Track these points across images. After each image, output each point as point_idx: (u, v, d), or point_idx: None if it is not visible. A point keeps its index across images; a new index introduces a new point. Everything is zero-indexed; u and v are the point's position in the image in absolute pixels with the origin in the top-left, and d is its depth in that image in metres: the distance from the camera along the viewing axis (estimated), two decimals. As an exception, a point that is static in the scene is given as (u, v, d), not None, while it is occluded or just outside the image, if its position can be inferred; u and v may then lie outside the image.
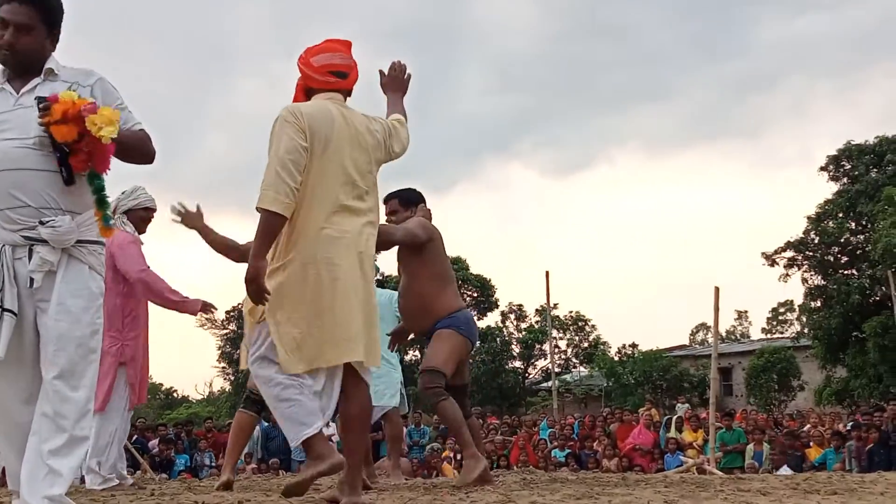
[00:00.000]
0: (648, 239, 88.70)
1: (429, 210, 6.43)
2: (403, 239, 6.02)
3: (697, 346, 57.65)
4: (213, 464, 15.51)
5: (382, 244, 5.82)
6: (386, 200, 6.37)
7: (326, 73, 4.50)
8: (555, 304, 41.00)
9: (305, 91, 4.47)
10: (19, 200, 3.58)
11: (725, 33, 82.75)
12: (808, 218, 33.73)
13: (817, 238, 33.40)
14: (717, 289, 11.40)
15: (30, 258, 3.57)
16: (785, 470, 12.80)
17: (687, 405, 22.55)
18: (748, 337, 64.05)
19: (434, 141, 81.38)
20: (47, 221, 3.60)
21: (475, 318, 45.77)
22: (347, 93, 4.62)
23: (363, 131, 4.46)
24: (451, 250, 7.73)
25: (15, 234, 3.56)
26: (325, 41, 4.59)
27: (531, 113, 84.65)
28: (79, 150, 3.57)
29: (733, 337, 65.02)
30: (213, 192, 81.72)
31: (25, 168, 3.61)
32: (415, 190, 6.51)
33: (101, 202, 3.71)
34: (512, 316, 46.93)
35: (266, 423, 17.34)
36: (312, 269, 4.18)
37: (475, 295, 44.97)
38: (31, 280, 3.57)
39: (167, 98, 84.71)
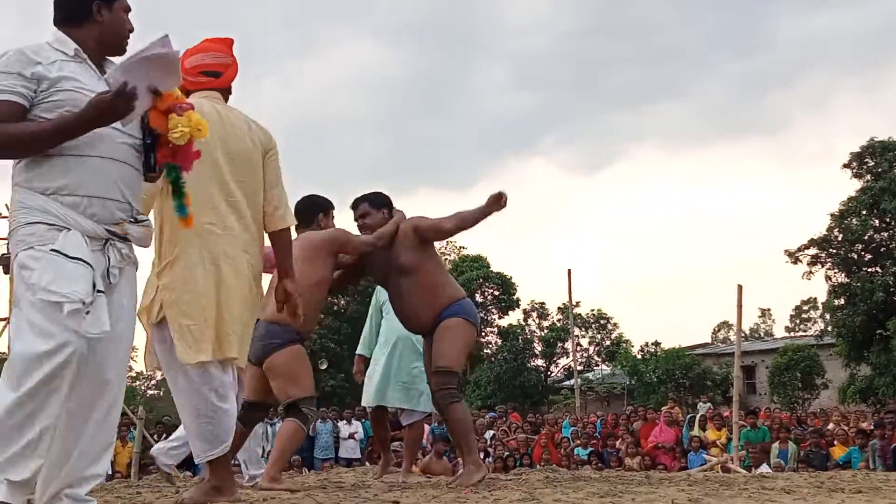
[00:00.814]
0: (670, 236, 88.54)
1: (402, 212, 6.30)
2: (455, 230, 6.13)
3: (720, 343, 57.43)
4: (236, 462, 15.57)
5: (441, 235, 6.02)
6: (355, 205, 6.29)
7: (198, 74, 4.53)
8: (577, 302, 40.96)
9: (186, 94, 4.33)
10: (121, 194, 3.54)
11: (746, 29, 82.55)
12: (832, 215, 33.53)
13: (841, 235, 33.19)
14: (740, 286, 11.37)
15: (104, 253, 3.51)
16: (764, 468, 12.79)
17: (709, 404, 22.47)
18: (771, 335, 63.84)
19: (455, 139, 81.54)
20: (143, 220, 3.64)
21: (497, 316, 45.99)
22: (226, 91, 4.64)
23: (239, 131, 4.45)
24: (473, 248, 7.72)
25: (99, 227, 3.47)
26: (202, 41, 4.64)
27: (552, 110, 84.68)
28: (165, 143, 3.58)
29: (756, 335, 64.79)
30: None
31: (129, 164, 3.58)
32: (382, 193, 6.41)
33: (178, 192, 3.73)
34: (534, 314, 46.89)
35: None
36: (199, 266, 4.23)
37: (497, 293, 44.98)
38: (110, 274, 3.51)
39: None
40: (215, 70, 4.57)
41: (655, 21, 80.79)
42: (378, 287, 7.49)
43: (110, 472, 15.61)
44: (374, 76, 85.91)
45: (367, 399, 7.27)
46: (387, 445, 7.74)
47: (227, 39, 4.66)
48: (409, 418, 7.37)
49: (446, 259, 44.66)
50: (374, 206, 6.24)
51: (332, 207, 6.27)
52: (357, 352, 7.72)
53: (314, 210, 6.13)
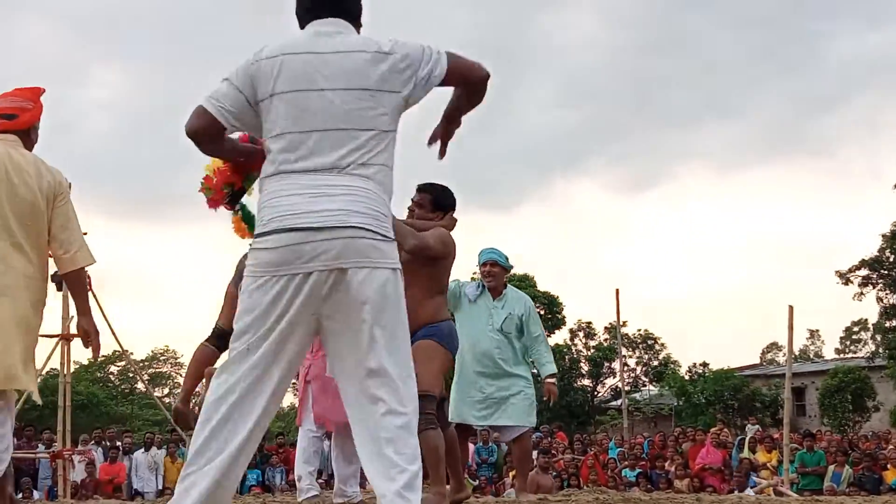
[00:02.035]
0: (719, 256, 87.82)
1: (455, 219, 6.01)
2: (413, 249, 5.56)
3: (769, 365, 56.87)
4: (285, 480, 15.61)
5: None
6: (420, 190, 6.01)
7: None
8: (624, 322, 40.75)
9: None
10: None
11: (797, 49, 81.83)
12: (883, 236, 33.17)
13: (893, 256, 32.83)
14: (790, 307, 11.27)
15: None
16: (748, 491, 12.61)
17: (757, 426, 22.24)
18: (821, 356, 63.11)
19: (501, 157, 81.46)
20: None
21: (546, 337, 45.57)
22: (24, 133, 4.82)
23: (27, 175, 4.59)
24: (519, 268, 7.68)
25: None
26: (11, 90, 4.88)
27: (600, 129, 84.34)
28: None
29: (805, 356, 64.09)
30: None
31: None
32: (451, 192, 6.04)
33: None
34: (581, 333, 46.71)
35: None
36: None
37: (543, 312, 44.87)
38: None
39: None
40: (10, 113, 4.76)
41: (705, 39, 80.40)
42: (454, 286, 7.29)
43: (161, 488, 15.75)
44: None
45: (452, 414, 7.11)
46: (459, 466, 7.55)
47: (36, 89, 4.94)
48: (516, 432, 7.33)
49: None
50: (433, 203, 5.92)
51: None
52: None
53: None
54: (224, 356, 4.94)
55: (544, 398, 7.52)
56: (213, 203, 3.88)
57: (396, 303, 3.48)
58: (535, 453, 14.69)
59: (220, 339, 5.81)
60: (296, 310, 3.39)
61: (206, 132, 3.53)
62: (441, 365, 5.76)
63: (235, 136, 3.85)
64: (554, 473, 15.38)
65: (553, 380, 7.49)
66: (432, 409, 5.68)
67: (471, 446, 18.44)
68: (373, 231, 3.44)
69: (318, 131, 3.44)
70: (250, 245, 3.55)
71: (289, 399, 48.63)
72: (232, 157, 3.74)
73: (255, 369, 3.41)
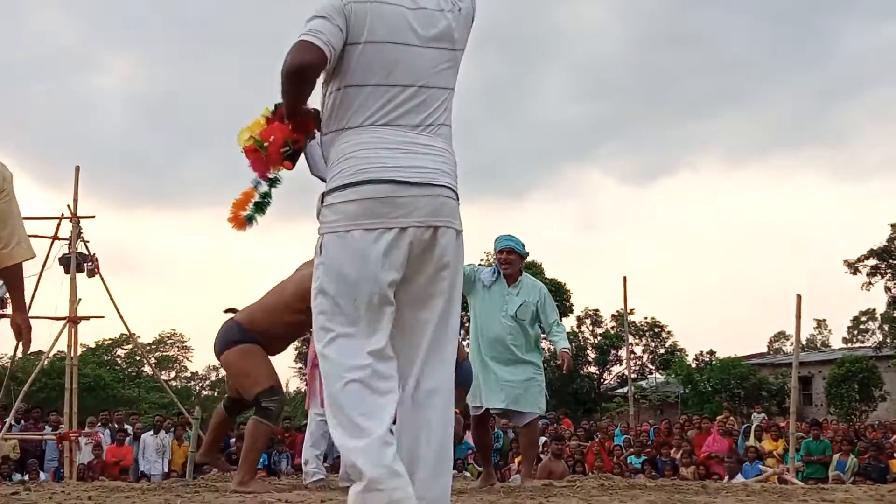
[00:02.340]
0: (728, 245, 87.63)
1: None
2: None
3: (776, 354, 56.85)
4: (290, 464, 15.63)
5: None
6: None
7: None
8: (631, 310, 40.75)
9: None
10: None
11: (811, 41, 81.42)
12: (893, 226, 33.12)
13: (902, 246, 32.77)
14: (798, 296, 11.23)
15: None
16: (739, 478, 12.62)
17: (763, 414, 22.23)
18: (828, 345, 63.06)
19: (513, 146, 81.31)
20: None
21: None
22: None
23: None
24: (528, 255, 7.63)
25: None
26: None
27: (611, 119, 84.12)
28: None
29: (813, 345, 64.04)
30: (294, 197, 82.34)
31: None
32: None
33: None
34: (587, 321, 46.73)
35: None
36: None
37: (550, 299, 44.86)
38: None
39: (245, 100, 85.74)
40: None
41: (718, 31, 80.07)
42: (471, 270, 7.41)
43: (166, 471, 15.80)
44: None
45: (472, 400, 7.18)
46: (488, 455, 7.60)
47: None
48: (526, 418, 7.37)
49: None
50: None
51: None
52: None
53: None
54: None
55: (558, 362, 7.49)
56: (266, 162, 3.57)
57: (461, 267, 3.46)
58: (547, 440, 14.75)
59: (269, 412, 5.91)
60: (391, 267, 3.26)
61: (315, 68, 3.29)
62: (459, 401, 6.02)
63: None
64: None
65: (568, 352, 7.49)
66: None
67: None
68: (456, 193, 3.41)
69: (409, 87, 3.35)
70: (324, 201, 3.35)
71: (295, 383, 48.83)
72: (301, 109, 3.49)
73: (367, 342, 3.23)
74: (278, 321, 5.96)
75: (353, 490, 3.06)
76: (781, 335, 64.82)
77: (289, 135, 3.48)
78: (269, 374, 5.92)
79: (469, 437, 18.31)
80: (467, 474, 13.01)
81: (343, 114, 3.35)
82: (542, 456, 12.72)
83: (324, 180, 3.54)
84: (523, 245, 7.46)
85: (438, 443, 3.30)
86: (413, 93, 3.34)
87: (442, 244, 3.31)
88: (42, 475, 14.09)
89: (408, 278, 3.30)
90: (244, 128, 3.60)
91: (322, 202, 3.40)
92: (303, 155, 3.80)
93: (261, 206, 3.80)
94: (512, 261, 7.34)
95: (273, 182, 3.73)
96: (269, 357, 6.16)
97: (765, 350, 58.42)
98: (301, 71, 3.25)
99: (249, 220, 3.79)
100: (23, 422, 15.37)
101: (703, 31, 79.29)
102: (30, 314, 12.40)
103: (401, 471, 3.08)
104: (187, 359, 59.55)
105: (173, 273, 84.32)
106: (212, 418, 6.43)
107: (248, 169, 3.63)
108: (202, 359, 64.90)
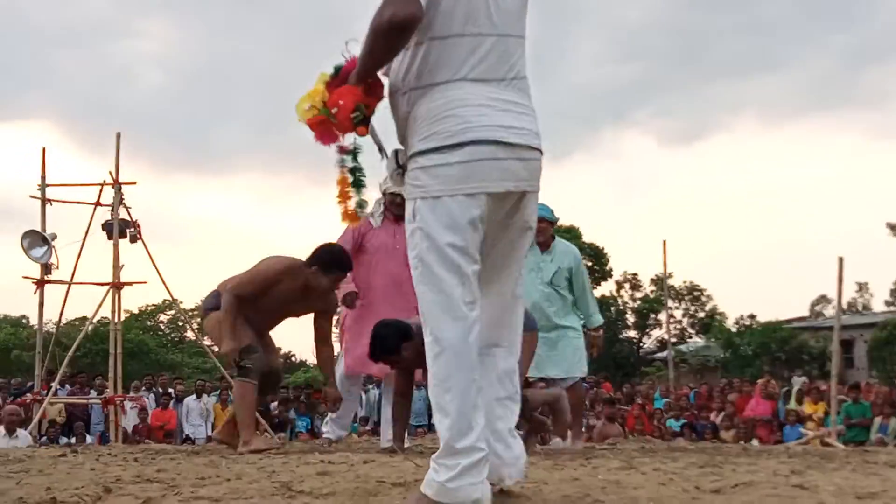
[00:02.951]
0: (768, 208, 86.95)
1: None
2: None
3: (817, 317, 56.44)
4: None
5: None
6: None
7: None
8: (670, 274, 40.61)
9: None
10: None
11: (846, 1, 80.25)
12: (936, 187, 32.68)
13: (945, 208, 32.36)
14: (840, 259, 11.17)
15: None
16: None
17: (804, 378, 22.13)
18: (869, 309, 62.53)
19: (550, 110, 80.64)
20: None
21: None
22: None
23: None
24: (566, 219, 7.67)
25: None
26: None
27: (648, 82, 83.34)
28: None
29: (854, 308, 63.53)
30: (330, 161, 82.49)
31: None
32: None
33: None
34: (626, 285, 46.62)
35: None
36: None
37: (589, 263, 44.80)
38: None
39: (282, 65, 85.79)
40: None
41: (754, -10, 79.05)
42: None
43: (210, 434, 15.98)
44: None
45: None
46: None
47: None
48: (567, 382, 7.38)
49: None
50: None
51: (340, 270, 6.34)
52: None
53: (317, 261, 6.23)
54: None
55: (591, 348, 7.51)
56: (335, 130, 3.36)
57: None
58: (601, 404, 14.76)
59: (247, 370, 6.05)
60: (489, 231, 3.15)
61: (417, 22, 3.05)
62: (530, 351, 6.03)
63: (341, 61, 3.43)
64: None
65: (599, 332, 7.48)
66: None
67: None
68: (542, 154, 3.26)
69: (489, 36, 3.15)
70: (417, 162, 3.16)
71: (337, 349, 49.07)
72: (377, 73, 3.29)
73: (475, 309, 3.11)
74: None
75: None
76: (823, 298, 64.24)
77: (360, 98, 3.27)
78: (244, 333, 6.03)
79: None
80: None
81: (429, 69, 3.15)
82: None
83: (380, 147, 3.39)
84: (552, 211, 7.46)
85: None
86: (494, 42, 3.15)
87: (528, 208, 3.23)
88: (88, 439, 14.31)
89: (491, 240, 3.20)
90: (302, 98, 3.41)
91: (398, 162, 3.28)
92: None
93: (358, 184, 3.52)
94: (542, 229, 7.28)
95: (354, 153, 3.49)
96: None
97: (806, 314, 58.04)
98: (404, 26, 3.03)
99: (359, 206, 3.52)
100: (69, 386, 15.58)
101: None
102: (74, 280, 12.60)
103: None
104: (228, 323, 60.03)
105: (213, 238, 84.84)
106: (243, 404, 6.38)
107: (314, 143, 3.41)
108: (244, 324, 65.33)
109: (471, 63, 3.13)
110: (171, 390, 17.18)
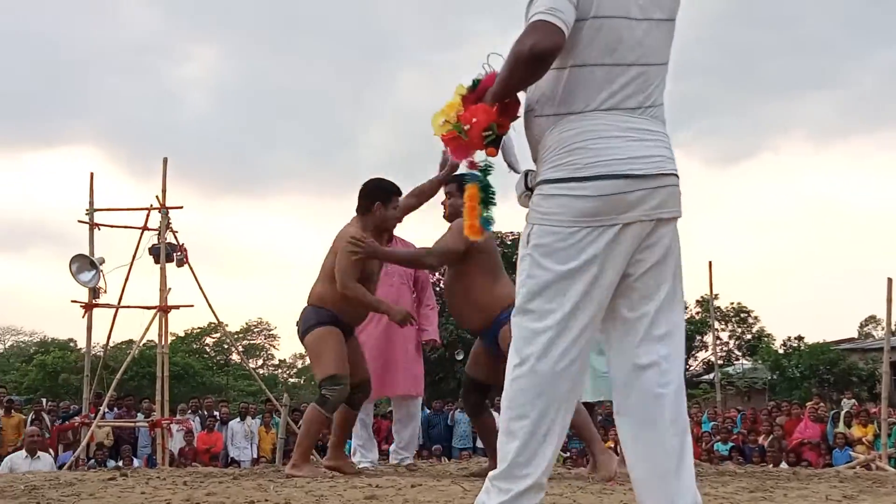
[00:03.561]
0: (814, 229, 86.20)
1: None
2: (440, 263, 6.00)
3: (866, 338, 55.76)
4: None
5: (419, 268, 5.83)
6: (449, 181, 6.15)
7: None
8: (716, 295, 40.28)
9: None
10: None
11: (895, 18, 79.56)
12: None
13: None
14: (889, 280, 11.05)
15: None
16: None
17: (853, 400, 21.85)
18: (920, 330, 61.71)
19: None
20: None
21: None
22: None
23: None
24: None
25: None
26: None
27: (693, 101, 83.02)
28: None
29: (905, 330, 62.70)
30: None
31: None
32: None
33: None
34: (672, 307, 46.27)
35: (428, 411, 17.59)
36: None
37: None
38: None
39: (328, 90, 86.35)
40: None
41: (801, 9, 78.65)
42: None
43: (255, 457, 16.04)
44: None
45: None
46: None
47: None
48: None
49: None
50: (459, 188, 5.86)
51: (394, 193, 6.18)
52: None
53: (370, 198, 6.11)
54: None
55: None
56: (467, 146, 3.31)
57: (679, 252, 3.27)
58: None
59: (325, 399, 5.87)
60: (612, 265, 3.08)
61: (557, 52, 3.03)
62: None
63: (481, 74, 3.40)
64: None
65: None
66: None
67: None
68: (678, 177, 3.23)
69: (631, 66, 3.14)
70: (543, 189, 3.13)
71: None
72: (515, 95, 3.25)
73: (575, 342, 3.06)
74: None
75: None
76: (872, 319, 63.50)
77: (494, 118, 3.25)
78: (336, 361, 5.84)
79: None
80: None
81: (564, 96, 3.14)
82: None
83: (513, 167, 3.39)
84: None
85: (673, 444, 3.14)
86: (636, 73, 3.14)
87: (667, 234, 3.17)
88: (135, 461, 14.40)
89: (627, 273, 3.14)
90: (437, 112, 3.37)
91: (527, 184, 3.24)
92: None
93: (488, 201, 3.49)
94: None
95: (486, 170, 3.47)
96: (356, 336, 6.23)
97: (854, 335, 57.39)
98: (545, 57, 3.01)
99: (486, 223, 3.48)
100: (116, 409, 15.70)
101: (783, 9, 77.93)
102: (121, 304, 12.70)
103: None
104: (274, 347, 60.35)
105: (259, 262, 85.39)
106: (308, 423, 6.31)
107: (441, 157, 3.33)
108: (288, 347, 65.71)
109: (607, 93, 3.11)
110: (216, 413, 17.27)
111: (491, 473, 3.03)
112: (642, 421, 3.11)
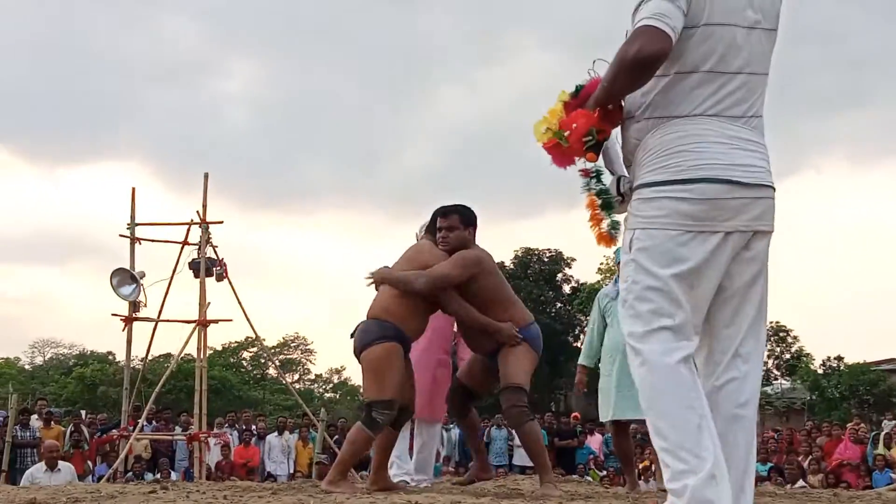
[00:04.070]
0: (855, 248, 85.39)
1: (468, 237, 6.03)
2: (427, 289, 5.75)
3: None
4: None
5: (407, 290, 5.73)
6: (444, 214, 6.01)
7: None
8: (755, 314, 39.99)
9: None
10: None
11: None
12: None
13: None
14: (932, 300, 10.94)
15: None
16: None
17: (894, 422, 21.60)
18: (962, 351, 61.01)
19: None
20: None
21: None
22: None
23: None
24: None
25: None
26: None
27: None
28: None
29: (946, 351, 62.02)
30: (413, 201, 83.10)
31: None
32: (471, 210, 6.10)
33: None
34: (710, 325, 45.99)
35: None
36: None
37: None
38: None
39: (367, 105, 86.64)
40: None
41: (841, 27, 78.08)
42: (600, 293, 7.60)
43: (292, 472, 16.08)
44: (558, 84, 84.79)
45: (606, 414, 7.15)
46: (629, 461, 7.46)
47: None
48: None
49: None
50: (463, 221, 5.97)
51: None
52: (579, 361, 7.57)
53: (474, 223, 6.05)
54: None
55: None
56: (568, 153, 3.26)
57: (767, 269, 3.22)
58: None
59: (375, 423, 5.74)
60: (713, 274, 3.07)
61: (664, 58, 3.03)
62: (531, 363, 5.94)
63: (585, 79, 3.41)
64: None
65: None
66: (525, 402, 5.87)
67: (598, 437, 18.38)
68: (775, 192, 3.18)
69: (737, 74, 3.12)
70: (641, 193, 3.11)
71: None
72: (618, 101, 3.23)
73: (691, 342, 3.05)
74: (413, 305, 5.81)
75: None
76: (913, 340, 62.93)
77: (595, 123, 3.22)
78: (396, 387, 5.67)
79: (590, 443, 18.32)
80: (589, 479, 12.93)
81: (668, 101, 3.12)
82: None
83: (616, 174, 3.34)
84: None
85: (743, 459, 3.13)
86: (741, 81, 3.12)
87: (759, 249, 3.14)
88: (173, 475, 14.47)
89: (722, 285, 3.13)
90: (539, 121, 3.35)
91: (618, 189, 3.24)
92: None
93: (608, 206, 3.42)
94: None
95: (598, 175, 3.40)
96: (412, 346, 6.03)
97: (895, 355, 56.77)
98: (651, 62, 3.01)
99: (612, 228, 3.43)
100: (154, 422, 15.79)
101: (824, 27, 77.46)
102: (161, 318, 12.77)
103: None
104: (310, 362, 60.53)
105: (296, 277, 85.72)
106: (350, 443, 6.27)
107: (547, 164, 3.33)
108: (325, 362, 65.95)
109: (713, 100, 3.09)
110: (253, 427, 17.33)
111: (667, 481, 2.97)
112: (723, 436, 3.06)
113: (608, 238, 3.43)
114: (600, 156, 3.34)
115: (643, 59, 2.98)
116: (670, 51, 3.01)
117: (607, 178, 3.42)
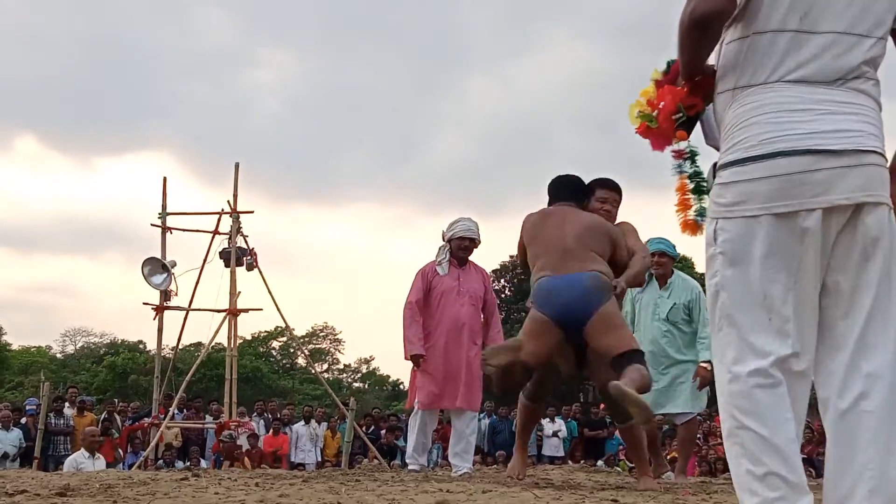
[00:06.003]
0: None
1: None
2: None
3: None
4: (441, 455, 15.76)
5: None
6: (611, 188, 6.06)
7: None
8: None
9: None
10: None
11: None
12: None
13: None
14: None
15: None
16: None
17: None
18: None
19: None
20: None
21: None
22: None
23: None
24: (679, 249, 7.63)
25: None
26: None
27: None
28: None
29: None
30: (443, 192, 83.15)
31: None
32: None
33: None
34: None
35: (494, 417, 17.55)
36: None
37: (701, 295, 44.03)
38: None
39: (398, 97, 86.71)
40: None
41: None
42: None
43: (320, 460, 16.13)
44: (589, 75, 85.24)
45: None
46: (655, 446, 7.34)
47: None
48: (683, 418, 7.39)
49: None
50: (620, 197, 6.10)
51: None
52: None
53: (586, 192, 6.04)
54: None
55: (694, 378, 7.26)
56: (661, 135, 3.08)
57: None
58: (714, 437, 14.49)
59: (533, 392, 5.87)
60: (812, 260, 2.71)
61: (724, 16, 2.75)
62: (526, 324, 5.67)
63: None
64: (715, 457, 15.21)
65: (707, 365, 7.24)
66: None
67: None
68: (885, 159, 2.77)
69: (828, 33, 2.72)
70: (718, 177, 2.81)
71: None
72: (701, 67, 2.95)
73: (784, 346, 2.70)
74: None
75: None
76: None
77: (683, 98, 3.02)
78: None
79: (620, 434, 18.28)
80: (618, 469, 12.90)
81: (744, 68, 2.80)
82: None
83: (718, 150, 3.00)
84: (674, 246, 7.54)
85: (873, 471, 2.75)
86: (833, 40, 2.73)
87: (868, 223, 2.69)
88: (203, 462, 14.55)
89: (829, 271, 2.74)
90: (633, 103, 3.16)
91: (714, 176, 2.89)
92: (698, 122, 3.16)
93: (699, 190, 3.19)
94: (664, 263, 7.46)
95: (692, 156, 3.21)
96: None
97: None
98: (706, 21, 2.73)
99: (699, 215, 3.17)
100: (185, 411, 15.88)
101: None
102: (192, 307, 12.83)
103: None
104: (339, 351, 60.69)
105: (326, 266, 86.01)
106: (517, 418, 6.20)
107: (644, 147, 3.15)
108: (353, 352, 66.09)
109: (794, 62, 2.75)
110: (279, 415, 17.41)
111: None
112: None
113: (694, 225, 3.20)
114: (697, 132, 3.14)
115: (697, 19, 2.72)
116: (730, 8, 2.72)
117: (701, 162, 3.22)
